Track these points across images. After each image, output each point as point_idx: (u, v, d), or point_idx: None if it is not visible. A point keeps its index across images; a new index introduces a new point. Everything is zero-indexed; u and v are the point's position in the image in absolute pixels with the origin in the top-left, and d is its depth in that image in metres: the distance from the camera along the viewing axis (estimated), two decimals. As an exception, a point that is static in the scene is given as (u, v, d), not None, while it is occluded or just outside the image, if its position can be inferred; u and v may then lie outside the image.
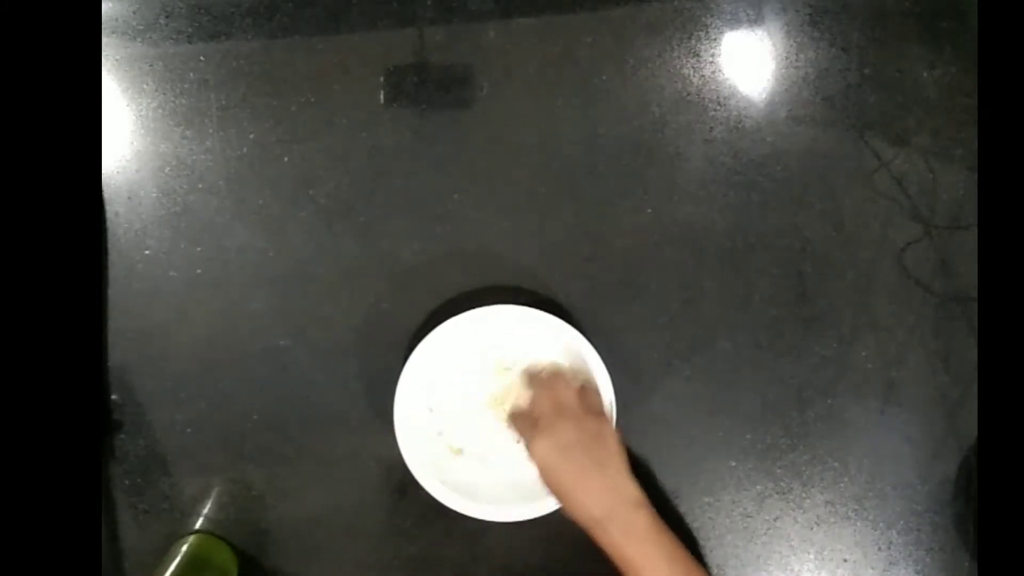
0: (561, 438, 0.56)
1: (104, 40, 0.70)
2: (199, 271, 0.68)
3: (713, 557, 0.68)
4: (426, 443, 0.63)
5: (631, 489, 0.55)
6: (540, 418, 0.58)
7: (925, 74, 0.72)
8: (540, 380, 0.62)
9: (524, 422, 0.60)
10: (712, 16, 0.71)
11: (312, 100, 0.70)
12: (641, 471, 0.67)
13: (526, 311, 0.61)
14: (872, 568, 0.68)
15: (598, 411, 0.60)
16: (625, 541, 0.52)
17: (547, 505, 0.59)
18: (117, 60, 0.70)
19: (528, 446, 0.58)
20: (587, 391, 0.61)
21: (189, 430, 0.67)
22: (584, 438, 0.56)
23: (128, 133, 0.69)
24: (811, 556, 0.68)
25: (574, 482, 0.55)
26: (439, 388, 0.65)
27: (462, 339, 0.63)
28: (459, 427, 0.65)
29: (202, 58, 0.70)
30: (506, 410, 0.65)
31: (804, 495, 0.69)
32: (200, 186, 0.69)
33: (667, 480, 0.68)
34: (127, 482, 0.67)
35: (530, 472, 0.58)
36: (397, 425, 0.61)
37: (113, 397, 0.67)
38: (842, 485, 0.69)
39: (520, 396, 0.64)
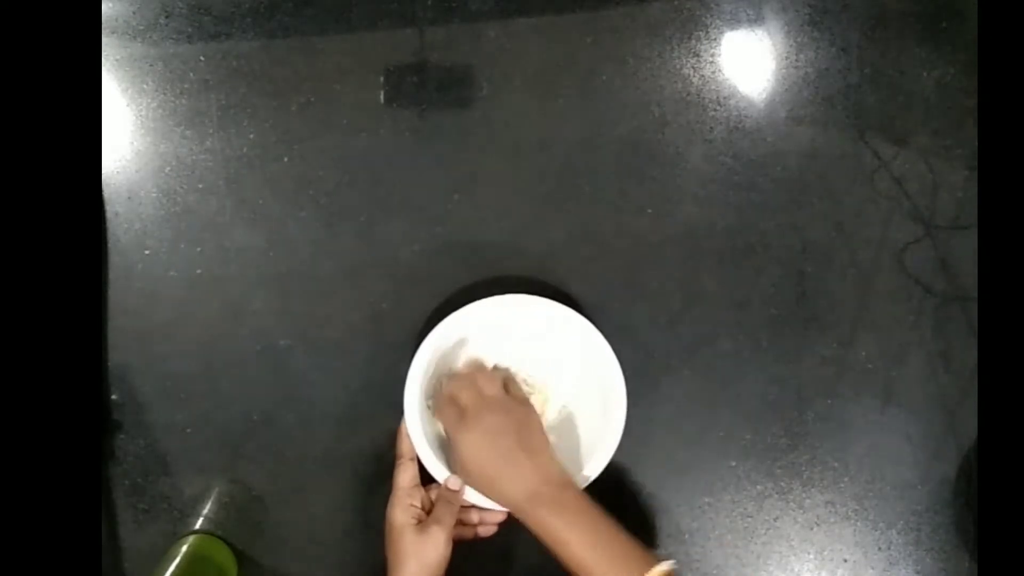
0: (488, 426, 0.57)
1: (104, 40, 0.70)
2: (199, 271, 0.68)
3: (713, 557, 0.68)
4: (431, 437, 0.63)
5: (557, 470, 0.57)
6: (466, 409, 0.59)
7: (925, 74, 0.72)
8: (462, 374, 0.63)
9: (451, 415, 0.60)
10: (712, 16, 0.71)
11: (312, 100, 0.70)
12: (641, 471, 0.67)
13: (536, 300, 0.61)
14: (872, 568, 0.68)
15: (523, 399, 0.62)
16: (552, 518, 0.53)
17: None
18: (117, 60, 0.70)
19: (452, 438, 0.59)
20: (511, 382, 0.63)
21: (189, 430, 0.67)
22: (511, 424, 0.58)
23: (128, 133, 0.69)
24: (811, 556, 0.68)
25: (502, 468, 0.56)
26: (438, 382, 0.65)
27: (467, 332, 0.63)
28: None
29: (202, 58, 0.70)
30: (430, 405, 0.64)
31: (804, 495, 0.69)
32: (200, 186, 0.69)
33: (667, 480, 0.68)
34: (127, 482, 0.67)
35: None
36: (409, 421, 0.61)
37: (113, 397, 0.67)
38: (842, 485, 0.69)
39: (447, 388, 0.63)
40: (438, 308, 0.68)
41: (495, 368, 0.66)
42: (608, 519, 0.54)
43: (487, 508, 0.60)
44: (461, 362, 0.66)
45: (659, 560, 0.51)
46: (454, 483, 0.59)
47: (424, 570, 0.55)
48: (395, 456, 0.61)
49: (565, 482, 0.56)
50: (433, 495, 0.60)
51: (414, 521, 0.57)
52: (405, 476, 0.59)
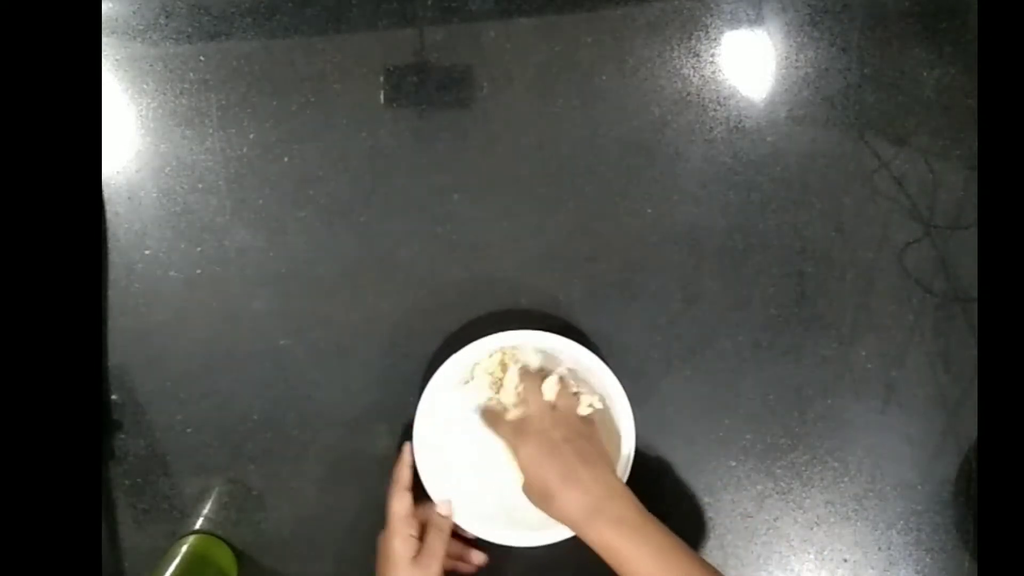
0: (551, 436, 0.56)
1: (104, 40, 0.70)
2: (199, 271, 0.68)
3: (713, 557, 0.68)
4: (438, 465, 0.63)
5: (616, 483, 0.56)
6: (527, 420, 0.58)
7: (925, 74, 0.72)
8: (532, 379, 0.61)
9: (507, 427, 0.60)
10: (712, 16, 0.71)
11: (312, 100, 0.70)
12: (641, 471, 0.67)
13: (545, 337, 0.61)
14: (872, 568, 0.68)
15: (586, 419, 0.61)
16: (614, 535, 0.52)
17: (549, 535, 0.60)
18: (117, 60, 0.70)
19: (514, 451, 0.58)
20: (572, 394, 0.62)
21: (189, 430, 0.67)
22: (572, 436, 0.57)
23: (128, 133, 0.69)
24: (811, 556, 0.68)
25: (562, 480, 0.55)
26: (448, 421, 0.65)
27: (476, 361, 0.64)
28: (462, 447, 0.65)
29: (202, 58, 0.70)
30: (485, 417, 0.63)
31: (804, 495, 0.69)
32: (200, 186, 0.69)
33: (667, 480, 0.68)
34: (127, 482, 0.67)
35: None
36: (416, 444, 0.61)
37: (113, 397, 0.67)
38: (842, 485, 0.69)
39: (504, 394, 0.63)
40: (438, 309, 0.68)
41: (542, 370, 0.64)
42: (670, 535, 0.53)
43: (470, 542, 0.60)
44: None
45: None
46: (444, 509, 0.60)
47: None
48: (391, 482, 0.60)
49: (625, 495, 0.55)
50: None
51: (412, 554, 0.56)
52: (401, 505, 0.58)
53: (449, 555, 0.60)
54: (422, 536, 0.58)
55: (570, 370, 0.64)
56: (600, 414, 0.63)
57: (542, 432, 0.57)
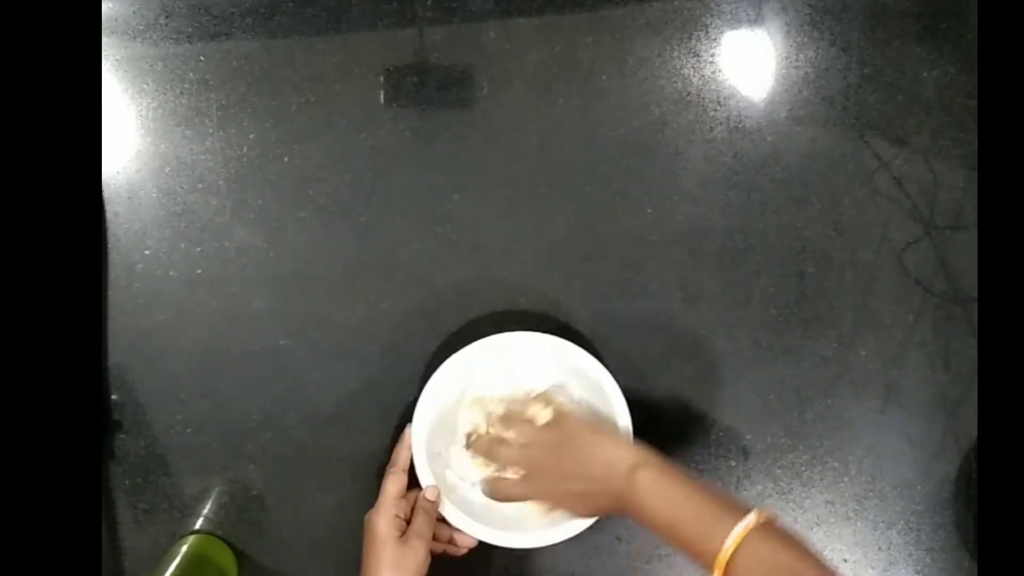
0: (548, 473, 0.58)
1: (104, 40, 0.70)
2: (199, 271, 0.68)
3: (713, 557, 0.68)
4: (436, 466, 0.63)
5: (619, 461, 0.54)
6: (521, 470, 0.60)
7: (925, 74, 0.72)
8: (492, 442, 0.62)
9: (510, 488, 0.61)
10: (712, 16, 0.71)
11: (312, 100, 0.70)
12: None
13: (538, 338, 0.62)
14: (872, 568, 0.68)
15: (560, 421, 0.60)
16: (642, 510, 0.52)
17: (547, 536, 0.60)
18: (117, 60, 0.70)
19: (537, 501, 0.60)
20: (531, 402, 0.62)
21: (189, 430, 0.67)
22: (556, 458, 0.57)
23: (128, 133, 0.69)
24: (811, 556, 0.68)
25: (583, 499, 0.57)
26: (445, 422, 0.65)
27: (474, 367, 0.64)
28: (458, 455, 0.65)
29: (202, 58, 0.70)
30: (489, 487, 0.63)
31: (804, 495, 0.69)
32: (200, 186, 0.69)
33: (667, 480, 0.68)
34: (127, 482, 0.67)
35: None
36: (415, 447, 0.61)
37: (113, 397, 0.67)
38: (842, 485, 0.69)
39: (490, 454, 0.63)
40: (437, 309, 0.68)
41: (514, 399, 0.64)
42: (687, 484, 0.52)
43: (458, 529, 0.60)
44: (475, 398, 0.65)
45: (747, 511, 0.47)
46: (432, 493, 0.60)
47: None
48: (388, 463, 0.61)
49: (631, 468, 0.53)
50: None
51: (397, 533, 0.57)
52: (395, 486, 0.59)
53: (439, 539, 0.61)
54: (410, 521, 0.59)
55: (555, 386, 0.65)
56: (600, 415, 0.63)
57: (536, 473, 0.59)
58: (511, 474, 0.61)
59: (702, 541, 0.48)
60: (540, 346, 0.62)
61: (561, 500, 0.58)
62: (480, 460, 0.63)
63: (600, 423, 0.61)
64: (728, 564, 0.46)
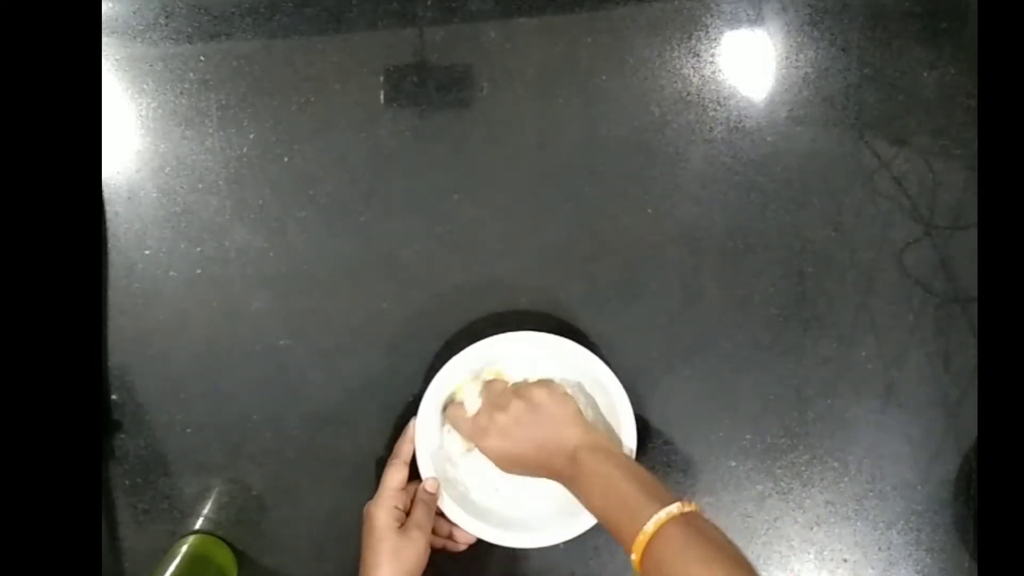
0: (499, 428, 0.58)
1: (104, 40, 0.70)
2: (199, 271, 0.68)
3: (713, 557, 0.68)
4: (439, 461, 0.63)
5: (568, 438, 0.57)
6: (478, 417, 0.60)
7: (925, 74, 0.72)
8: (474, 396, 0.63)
9: (465, 426, 0.61)
10: (712, 16, 0.71)
11: (312, 100, 0.70)
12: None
13: (537, 337, 0.62)
14: (872, 568, 0.68)
15: (529, 390, 0.61)
16: (579, 489, 0.55)
17: (547, 537, 0.60)
18: (117, 60, 0.70)
19: (478, 448, 0.61)
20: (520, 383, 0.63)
21: (189, 430, 0.67)
22: (518, 418, 0.58)
23: (128, 133, 0.69)
24: (811, 556, 0.68)
25: (522, 462, 0.58)
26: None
27: (476, 364, 0.64)
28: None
29: (202, 58, 0.70)
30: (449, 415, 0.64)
31: (804, 495, 0.69)
32: (200, 186, 0.69)
33: (667, 480, 0.68)
34: (127, 482, 0.67)
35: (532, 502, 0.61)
36: (418, 443, 0.61)
37: (113, 397, 0.67)
38: (842, 485, 0.69)
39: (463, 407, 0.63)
40: (438, 308, 0.68)
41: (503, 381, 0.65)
42: (623, 470, 0.53)
43: (457, 525, 0.60)
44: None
45: (671, 501, 0.49)
46: (431, 486, 0.60)
47: (402, 574, 0.55)
48: (391, 454, 0.61)
49: (576, 447, 0.56)
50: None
51: (396, 524, 0.57)
52: (396, 477, 0.59)
53: (438, 533, 0.61)
54: (410, 512, 0.59)
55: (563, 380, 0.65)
56: (601, 415, 0.63)
57: (489, 427, 0.59)
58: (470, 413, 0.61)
59: (627, 523, 0.50)
60: (545, 347, 0.63)
61: (502, 455, 0.59)
62: (450, 427, 0.64)
63: (568, 401, 0.60)
64: (646, 547, 0.48)
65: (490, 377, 0.64)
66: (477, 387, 0.63)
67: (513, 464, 0.59)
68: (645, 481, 0.52)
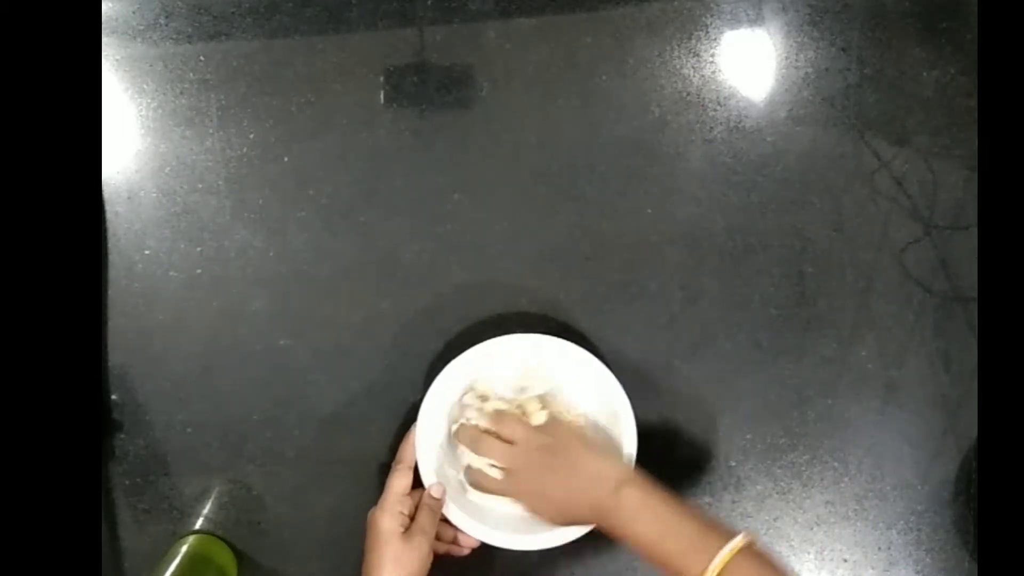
0: (528, 475, 0.58)
1: (104, 40, 0.70)
2: (199, 271, 0.68)
3: (713, 557, 0.68)
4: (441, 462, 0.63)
5: (607, 476, 0.55)
6: (507, 470, 0.59)
7: (925, 74, 0.72)
8: (478, 433, 0.61)
9: (493, 483, 0.60)
10: (712, 16, 0.71)
11: (312, 100, 0.70)
12: (640, 471, 0.67)
13: (542, 340, 0.62)
14: (872, 568, 0.68)
15: (542, 424, 0.60)
16: (625, 528, 0.53)
17: (549, 538, 0.60)
18: (117, 60, 0.70)
19: (511, 499, 0.60)
20: (527, 402, 0.62)
21: (189, 430, 0.67)
22: (542, 461, 0.57)
23: (128, 133, 0.69)
24: (811, 556, 0.68)
25: (559, 507, 0.57)
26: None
27: (483, 366, 0.63)
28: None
29: (202, 58, 0.70)
30: (470, 476, 0.63)
31: (804, 495, 0.69)
32: (200, 186, 0.69)
33: (667, 481, 0.68)
34: (127, 482, 0.67)
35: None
36: (419, 442, 0.61)
37: (113, 397, 0.67)
38: (842, 485, 0.69)
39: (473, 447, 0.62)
40: (438, 309, 0.68)
41: (513, 400, 0.64)
42: (672, 504, 0.53)
43: (461, 530, 0.60)
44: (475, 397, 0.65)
45: (731, 536, 0.49)
46: (437, 491, 0.60)
47: None
48: (394, 460, 0.61)
49: (617, 484, 0.54)
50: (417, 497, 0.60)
51: (400, 529, 0.57)
52: (400, 483, 0.59)
53: (442, 538, 0.61)
54: (413, 518, 0.59)
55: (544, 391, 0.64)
56: (601, 416, 0.63)
57: (520, 476, 0.58)
58: (495, 472, 0.60)
59: (687, 563, 0.49)
60: (549, 349, 0.62)
61: (537, 503, 0.58)
62: (465, 450, 0.63)
63: (590, 437, 0.60)
64: None
65: (482, 391, 0.63)
66: (482, 419, 0.62)
67: (548, 505, 0.57)
68: (698, 516, 0.52)
